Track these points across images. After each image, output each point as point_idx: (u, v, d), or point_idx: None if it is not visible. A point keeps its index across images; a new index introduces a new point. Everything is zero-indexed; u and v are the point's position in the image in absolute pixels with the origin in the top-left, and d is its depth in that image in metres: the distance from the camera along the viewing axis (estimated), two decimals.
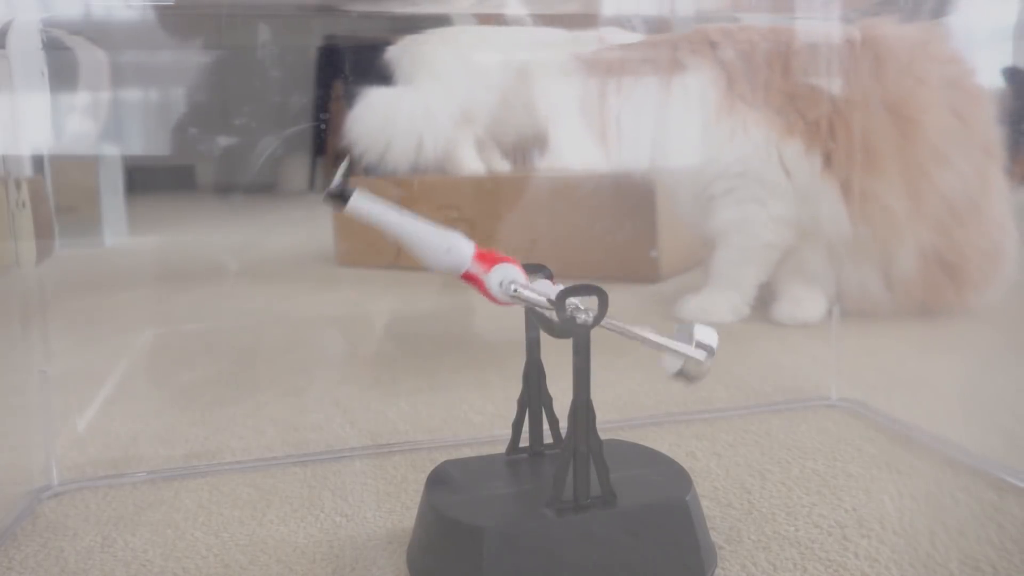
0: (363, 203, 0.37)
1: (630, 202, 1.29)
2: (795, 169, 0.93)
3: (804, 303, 0.97)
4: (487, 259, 0.39)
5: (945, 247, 0.92)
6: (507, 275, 0.39)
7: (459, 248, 0.38)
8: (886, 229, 0.91)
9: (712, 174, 0.96)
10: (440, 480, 0.42)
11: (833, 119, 0.92)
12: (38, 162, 0.59)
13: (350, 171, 0.37)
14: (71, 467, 0.56)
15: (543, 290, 0.39)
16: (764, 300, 1.05)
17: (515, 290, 0.38)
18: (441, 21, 1.01)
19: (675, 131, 0.97)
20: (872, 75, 0.91)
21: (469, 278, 0.39)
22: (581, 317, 0.37)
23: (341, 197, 0.37)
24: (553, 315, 0.38)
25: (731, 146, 0.94)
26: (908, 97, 0.90)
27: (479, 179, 1.49)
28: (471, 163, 1.24)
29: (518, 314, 0.43)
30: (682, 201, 1.03)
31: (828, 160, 0.93)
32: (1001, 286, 0.96)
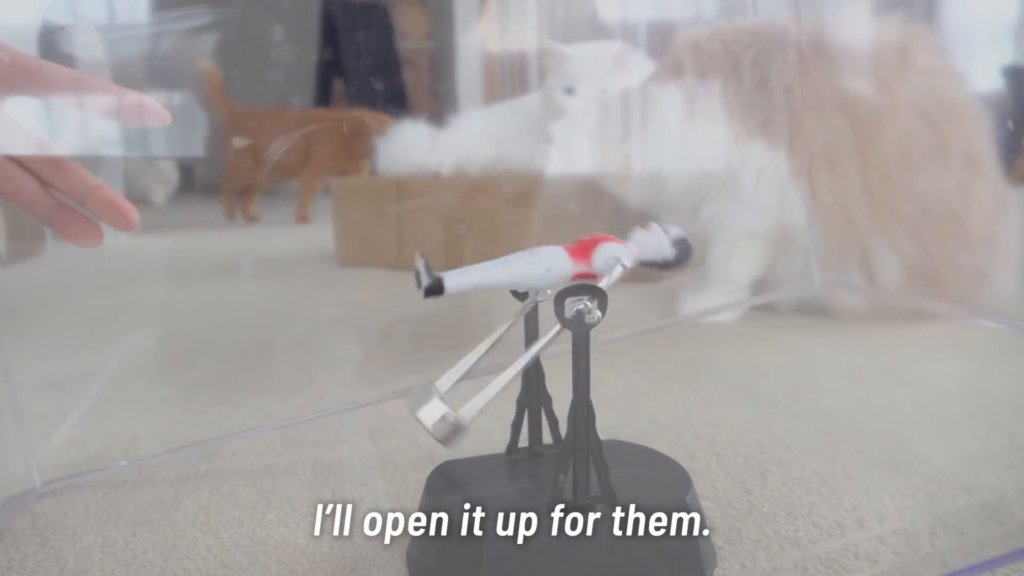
0: (456, 281, 0.38)
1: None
2: (761, 167, 0.94)
3: (712, 302, 0.98)
4: (582, 252, 0.39)
5: (922, 256, 0.92)
6: (608, 256, 0.39)
7: (555, 260, 0.39)
8: (847, 231, 0.92)
9: (693, 186, 0.99)
10: (440, 480, 0.42)
11: (793, 122, 0.93)
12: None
13: (429, 264, 0.38)
14: (71, 467, 0.56)
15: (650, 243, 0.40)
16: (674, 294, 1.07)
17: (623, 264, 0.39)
18: None
19: (661, 150, 1.00)
20: (829, 78, 0.92)
21: (582, 276, 0.39)
22: (588, 317, 0.37)
23: (439, 290, 0.37)
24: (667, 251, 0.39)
25: (700, 156, 0.97)
26: (866, 102, 0.91)
27: (473, 179, 1.49)
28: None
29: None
30: (681, 213, 1.05)
31: (792, 161, 0.94)
32: (993, 297, 0.96)
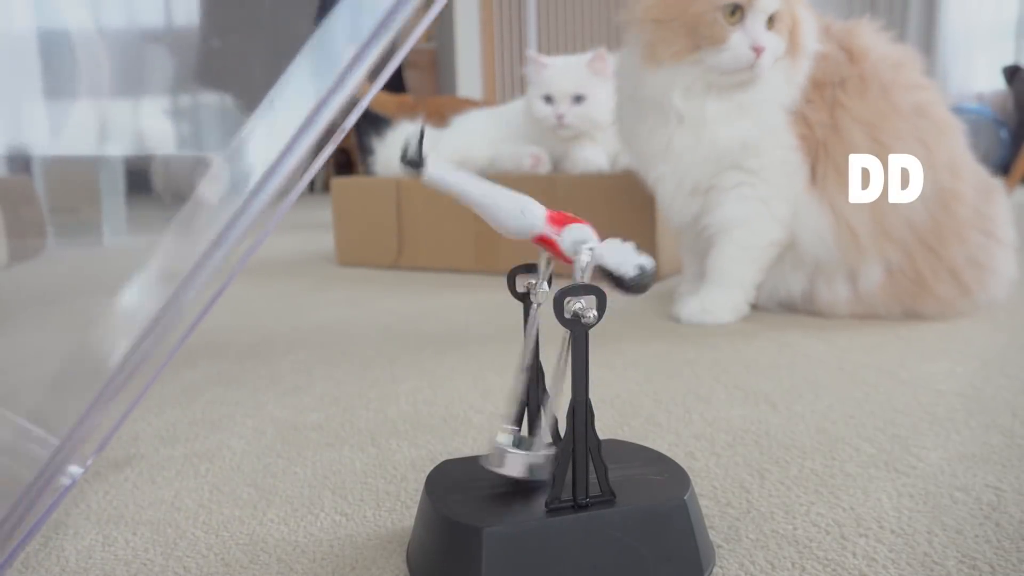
0: (439, 171, 0.38)
1: (629, 201, 1.29)
2: (795, 176, 0.94)
3: (717, 304, 0.98)
4: (559, 220, 0.39)
5: (908, 265, 0.94)
6: (579, 236, 0.39)
7: (532, 210, 0.39)
8: (850, 244, 0.93)
9: (724, 165, 0.95)
10: (440, 480, 0.42)
11: (827, 134, 0.93)
12: (18, 160, 0.58)
13: (422, 140, 0.38)
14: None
15: (613, 253, 0.40)
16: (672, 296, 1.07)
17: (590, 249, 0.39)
18: None
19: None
20: (857, 94, 0.92)
21: (542, 240, 0.39)
22: (586, 317, 0.37)
23: (417, 165, 0.37)
24: (620, 277, 0.38)
25: (750, 140, 0.93)
26: (882, 123, 0.92)
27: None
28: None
29: (517, 314, 0.43)
30: (676, 193, 0.99)
31: (814, 173, 0.94)
32: (996, 284, 0.97)
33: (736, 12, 0.89)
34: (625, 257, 0.39)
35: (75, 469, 0.44)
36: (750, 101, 0.92)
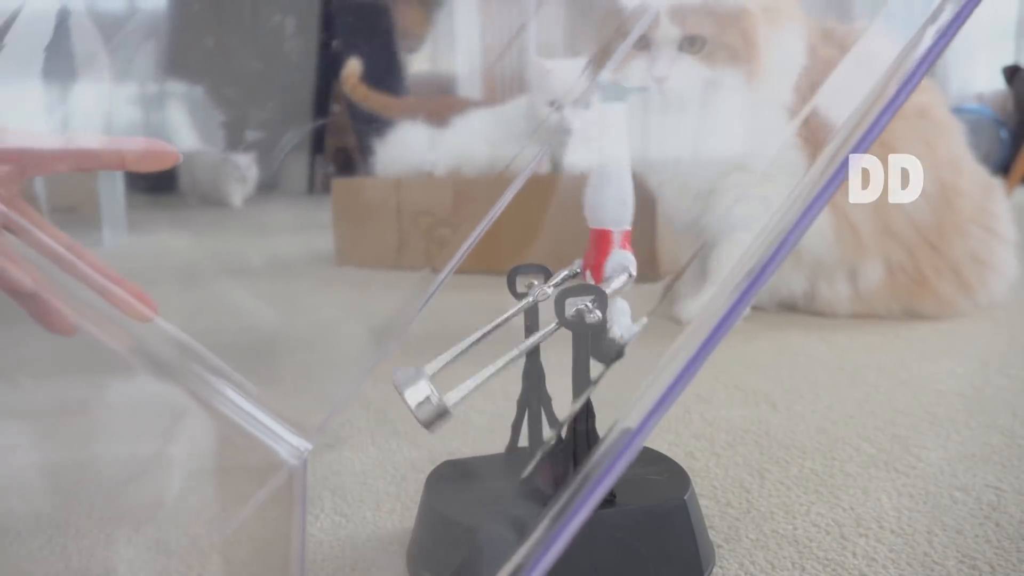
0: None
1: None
2: (796, 175, 0.94)
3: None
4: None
5: (909, 263, 0.95)
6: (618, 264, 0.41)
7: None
8: (852, 243, 0.93)
9: (728, 166, 0.94)
10: (440, 480, 0.42)
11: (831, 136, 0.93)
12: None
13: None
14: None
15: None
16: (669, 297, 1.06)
17: None
18: None
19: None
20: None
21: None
22: (589, 317, 0.37)
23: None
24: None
25: (759, 140, 0.93)
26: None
27: (462, 180, 1.49)
28: None
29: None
30: (679, 198, 0.98)
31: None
32: (997, 281, 0.97)
33: None
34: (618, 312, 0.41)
35: (304, 445, 0.44)
36: (753, 102, 0.92)
